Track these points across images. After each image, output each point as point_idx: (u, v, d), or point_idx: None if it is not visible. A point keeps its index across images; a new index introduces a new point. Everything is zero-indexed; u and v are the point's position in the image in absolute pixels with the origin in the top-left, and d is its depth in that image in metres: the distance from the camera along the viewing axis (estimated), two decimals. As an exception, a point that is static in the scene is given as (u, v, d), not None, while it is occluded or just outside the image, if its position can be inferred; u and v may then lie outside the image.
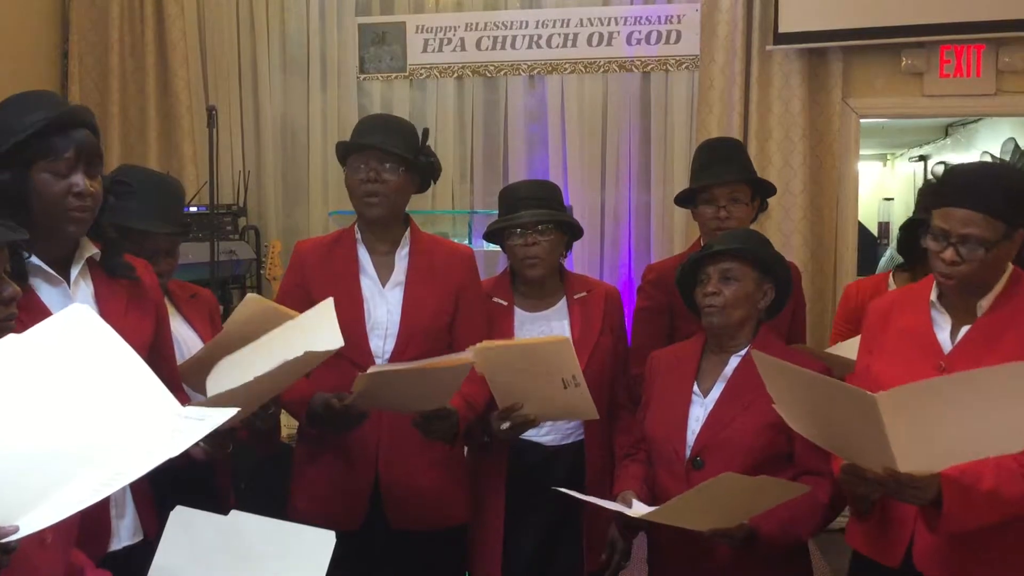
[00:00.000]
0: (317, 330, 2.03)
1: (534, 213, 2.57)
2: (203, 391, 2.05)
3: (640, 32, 5.08)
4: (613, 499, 2.27)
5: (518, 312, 2.64)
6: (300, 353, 1.91)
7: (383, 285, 2.46)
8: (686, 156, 5.05)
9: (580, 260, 5.00)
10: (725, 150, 2.88)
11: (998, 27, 4.53)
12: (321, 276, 2.38)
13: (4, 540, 1.23)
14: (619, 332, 2.70)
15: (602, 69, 5.15)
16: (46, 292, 1.82)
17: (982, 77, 4.69)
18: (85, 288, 1.89)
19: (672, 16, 5.06)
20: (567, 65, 5.17)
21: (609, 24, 5.11)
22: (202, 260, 4.19)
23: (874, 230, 7.91)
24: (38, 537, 1.28)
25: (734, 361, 2.27)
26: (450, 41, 5.25)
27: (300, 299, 2.35)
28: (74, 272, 1.88)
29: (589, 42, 5.13)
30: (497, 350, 2.34)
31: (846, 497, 2.07)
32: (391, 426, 2.40)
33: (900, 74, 4.82)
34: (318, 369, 2.20)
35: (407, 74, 5.32)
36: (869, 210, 7.82)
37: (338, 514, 2.35)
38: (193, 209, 4.74)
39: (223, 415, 1.39)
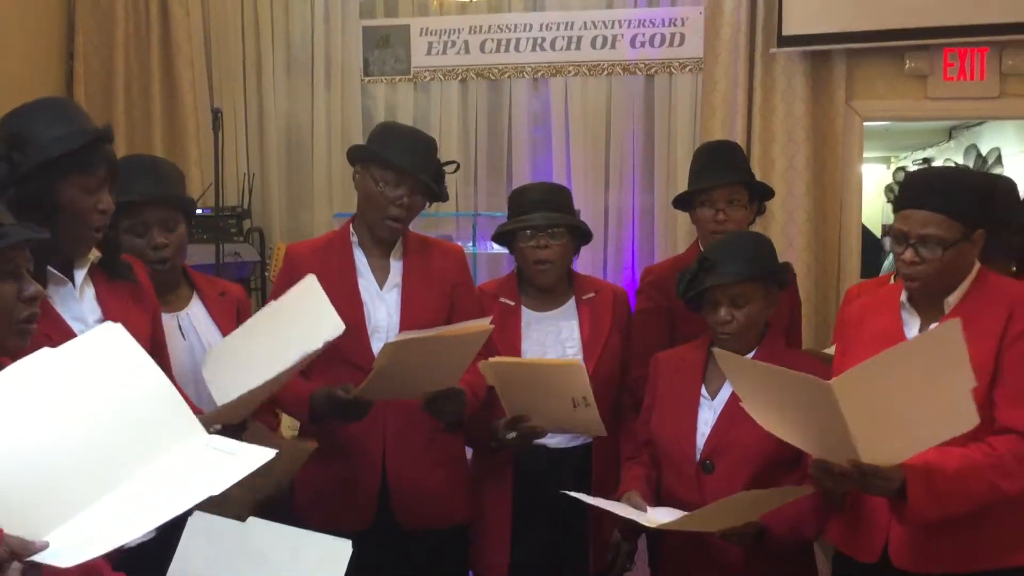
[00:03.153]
0: (313, 318, 2.02)
1: (546, 216, 2.56)
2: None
3: (644, 35, 5.08)
4: (617, 499, 2.28)
5: (525, 312, 2.63)
6: (308, 351, 1.92)
7: (380, 287, 2.46)
8: (689, 158, 4.94)
9: (584, 262, 4.97)
10: (723, 153, 2.88)
11: (1001, 30, 4.53)
12: (318, 278, 2.33)
13: (31, 558, 1.24)
14: (627, 333, 2.70)
15: (606, 72, 5.15)
16: (53, 294, 1.84)
17: (985, 80, 4.68)
18: (88, 290, 1.91)
19: (675, 19, 5.06)
20: (571, 68, 5.18)
21: (613, 27, 5.11)
22: (207, 262, 4.20)
23: (878, 232, 7.89)
24: None
25: (741, 364, 2.27)
26: (454, 44, 5.26)
27: None
28: (80, 275, 1.89)
29: (593, 45, 5.14)
30: (508, 366, 2.35)
31: (819, 492, 2.08)
32: (396, 427, 2.40)
33: (903, 77, 4.81)
34: (318, 372, 2.20)
35: (411, 77, 5.32)
36: (873, 212, 7.81)
37: (344, 517, 2.36)
38: (198, 211, 4.74)
39: (257, 456, 1.38)
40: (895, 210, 2.08)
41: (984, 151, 6.47)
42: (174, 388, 1.47)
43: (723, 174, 2.74)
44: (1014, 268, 2.39)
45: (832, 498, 2.06)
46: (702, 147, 3.06)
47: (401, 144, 2.42)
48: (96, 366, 1.39)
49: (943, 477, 1.86)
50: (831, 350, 2.85)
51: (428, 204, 2.52)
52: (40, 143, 1.76)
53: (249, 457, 1.38)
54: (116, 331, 1.44)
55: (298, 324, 2.04)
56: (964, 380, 1.76)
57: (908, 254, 2.00)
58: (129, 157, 2.40)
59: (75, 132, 1.78)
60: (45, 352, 1.35)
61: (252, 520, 1.67)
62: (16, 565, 1.23)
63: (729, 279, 2.20)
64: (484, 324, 2.21)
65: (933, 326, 2.05)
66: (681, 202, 2.88)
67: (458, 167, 2.52)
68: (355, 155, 2.48)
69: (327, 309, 2.03)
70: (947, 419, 1.80)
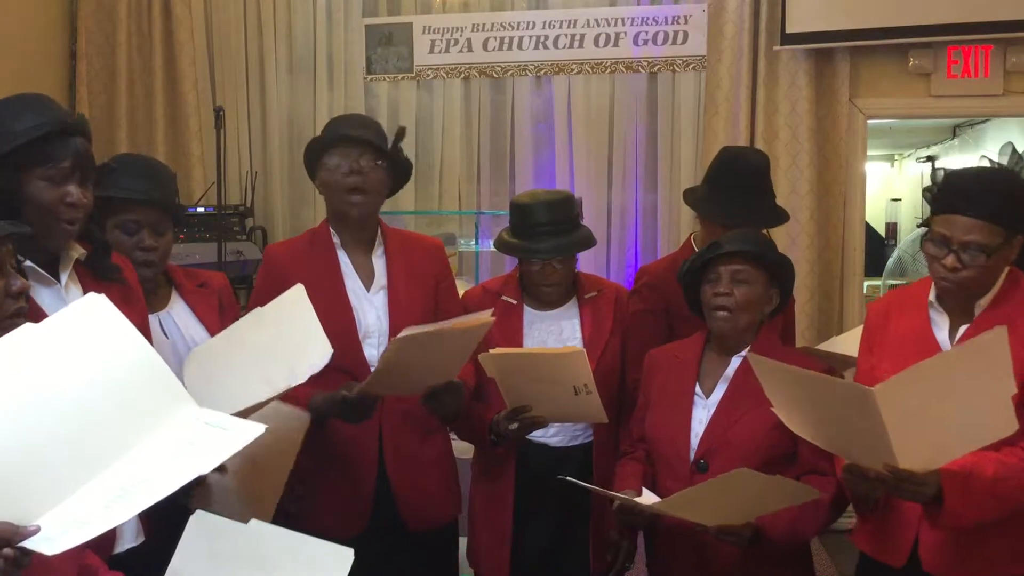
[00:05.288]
0: (302, 337, 1.98)
1: (554, 246, 2.52)
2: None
3: (647, 33, 5.08)
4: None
5: (527, 311, 2.62)
6: (298, 381, 1.91)
7: (367, 289, 2.44)
8: (693, 156, 5.06)
9: (586, 261, 4.99)
10: (765, 179, 2.76)
11: (1006, 27, 4.52)
12: (302, 282, 2.16)
13: (22, 544, 1.22)
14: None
15: (609, 70, 5.15)
16: (38, 293, 1.81)
17: (989, 77, 4.68)
18: (75, 289, 1.89)
19: (679, 16, 5.05)
20: (574, 66, 5.17)
21: (616, 25, 5.11)
22: (209, 260, 4.21)
23: (881, 231, 7.89)
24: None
25: (736, 361, 2.27)
26: (457, 42, 5.26)
27: None
28: (65, 274, 1.87)
29: (596, 43, 5.13)
30: (509, 357, 2.33)
31: (849, 497, 2.07)
32: (391, 428, 2.40)
33: (907, 74, 4.81)
34: (311, 379, 2.17)
35: (414, 75, 5.32)
36: (876, 211, 7.80)
37: (341, 520, 2.35)
38: (201, 210, 4.76)
39: (249, 431, 1.36)
40: (934, 212, 2.03)
41: (984, 149, 6.44)
42: (162, 360, 1.43)
43: (775, 215, 2.69)
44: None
45: (863, 503, 2.04)
46: (742, 164, 2.77)
47: (335, 124, 2.43)
48: (82, 339, 1.34)
49: (979, 482, 1.84)
50: (831, 345, 2.84)
51: (400, 184, 2.49)
52: (5, 136, 1.75)
53: (241, 432, 1.36)
54: (100, 302, 1.40)
55: (285, 340, 2.01)
56: (1006, 387, 1.74)
57: (950, 260, 1.96)
58: (128, 155, 2.40)
59: (39, 124, 1.76)
60: (28, 327, 1.32)
61: (254, 523, 1.64)
62: (7, 551, 1.21)
63: (732, 253, 2.22)
64: (486, 316, 2.20)
65: (962, 328, 2.03)
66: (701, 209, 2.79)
67: (403, 130, 2.46)
68: (308, 165, 2.46)
69: (316, 331, 1.99)
70: (986, 425, 1.78)
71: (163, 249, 2.24)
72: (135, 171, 2.22)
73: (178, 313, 2.29)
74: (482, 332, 2.20)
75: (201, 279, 2.42)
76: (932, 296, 2.08)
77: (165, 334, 2.23)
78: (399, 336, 2.08)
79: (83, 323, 1.36)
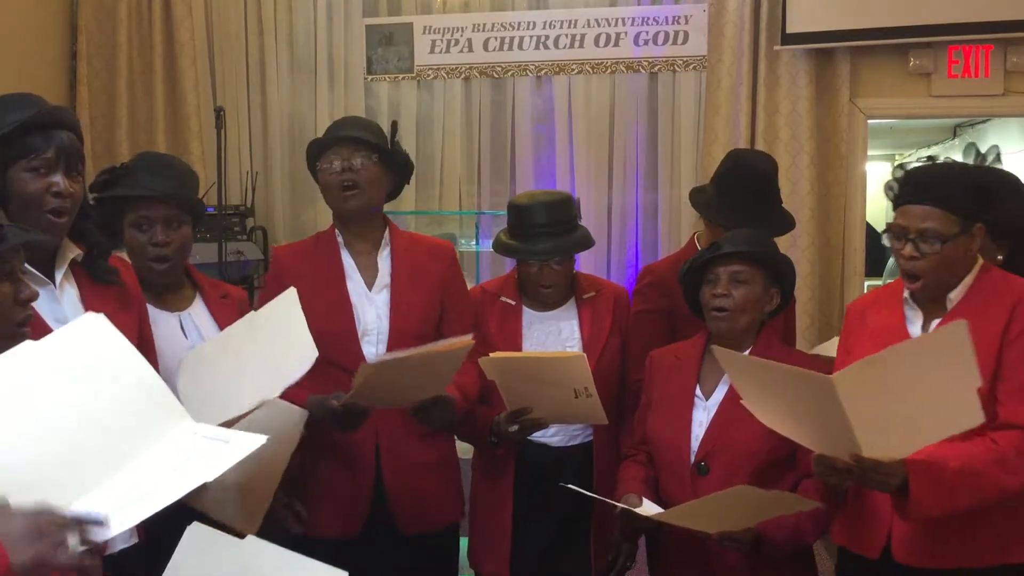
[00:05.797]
0: (289, 340, 1.99)
1: (552, 247, 2.52)
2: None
3: (647, 33, 5.08)
4: (616, 501, 2.27)
5: (526, 312, 2.63)
6: (277, 393, 1.91)
7: (369, 288, 2.45)
8: (693, 156, 5.06)
9: (586, 261, 4.99)
10: (773, 186, 2.78)
11: (1006, 27, 4.52)
12: (305, 282, 2.23)
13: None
14: (628, 333, 2.68)
15: (609, 70, 5.15)
16: None
17: (990, 77, 4.67)
18: (71, 290, 1.89)
19: (679, 16, 5.05)
20: (574, 66, 5.17)
21: (616, 25, 5.11)
22: (210, 261, 4.21)
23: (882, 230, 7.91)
24: None
25: (735, 363, 2.26)
26: (457, 42, 5.26)
27: None
28: (59, 274, 1.87)
29: (596, 43, 5.13)
30: (509, 361, 2.33)
31: (820, 488, 2.08)
32: (388, 430, 2.39)
33: (908, 74, 4.81)
34: (309, 376, 2.18)
35: (414, 75, 5.32)
36: (877, 211, 7.79)
37: (338, 521, 2.35)
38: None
39: (249, 442, 1.37)
40: (895, 207, 2.09)
41: (983, 149, 6.47)
42: (159, 377, 1.45)
43: (782, 221, 2.71)
44: (1000, 257, 2.35)
45: (834, 494, 2.05)
46: (745, 167, 2.77)
47: (332, 127, 2.48)
48: (80, 357, 1.36)
49: (946, 472, 1.86)
50: (825, 349, 2.84)
51: (406, 183, 2.52)
52: None
53: (241, 444, 1.37)
54: (98, 321, 1.42)
55: (274, 346, 2.02)
56: (970, 379, 1.75)
57: (907, 249, 2.01)
58: (143, 153, 2.42)
59: (18, 118, 1.78)
60: (27, 345, 1.33)
61: (250, 539, 1.63)
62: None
63: (731, 253, 2.22)
64: (465, 340, 2.18)
65: (935, 323, 2.05)
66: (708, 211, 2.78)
67: (395, 125, 2.51)
68: (312, 171, 2.50)
69: (303, 334, 1.99)
70: (952, 416, 1.80)
71: (176, 244, 2.24)
72: (146, 168, 2.24)
73: (199, 317, 2.30)
74: (462, 355, 2.18)
75: (224, 290, 2.44)
76: (906, 293, 2.11)
77: (184, 333, 2.24)
78: (365, 363, 2.09)
79: (82, 340, 1.39)
